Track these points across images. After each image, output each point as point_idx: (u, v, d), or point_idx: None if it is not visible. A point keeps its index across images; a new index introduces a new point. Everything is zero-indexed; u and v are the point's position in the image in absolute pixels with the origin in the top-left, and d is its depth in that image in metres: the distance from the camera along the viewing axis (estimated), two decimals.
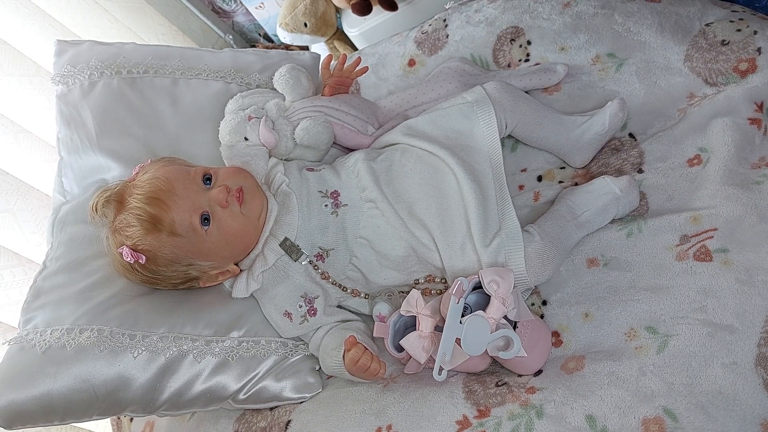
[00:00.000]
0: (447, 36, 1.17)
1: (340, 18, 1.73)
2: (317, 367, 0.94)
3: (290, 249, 0.89)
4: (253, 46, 1.93)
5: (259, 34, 1.96)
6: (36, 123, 1.28)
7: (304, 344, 0.95)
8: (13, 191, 1.21)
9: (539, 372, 0.80)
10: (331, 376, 0.94)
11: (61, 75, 1.07)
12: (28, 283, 0.98)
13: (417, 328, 0.82)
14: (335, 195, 0.92)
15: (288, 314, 0.91)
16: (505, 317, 0.78)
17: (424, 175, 0.90)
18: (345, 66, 1.06)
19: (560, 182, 0.97)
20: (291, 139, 0.98)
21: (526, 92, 1.02)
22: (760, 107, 0.88)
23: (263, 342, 0.92)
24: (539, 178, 1.00)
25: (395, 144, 0.97)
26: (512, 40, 1.10)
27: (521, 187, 1.00)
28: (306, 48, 1.78)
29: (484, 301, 0.79)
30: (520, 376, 0.81)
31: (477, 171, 0.90)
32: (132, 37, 1.57)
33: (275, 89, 1.03)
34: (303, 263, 0.89)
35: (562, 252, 0.85)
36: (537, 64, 1.08)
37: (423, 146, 0.93)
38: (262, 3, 1.81)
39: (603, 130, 0.94)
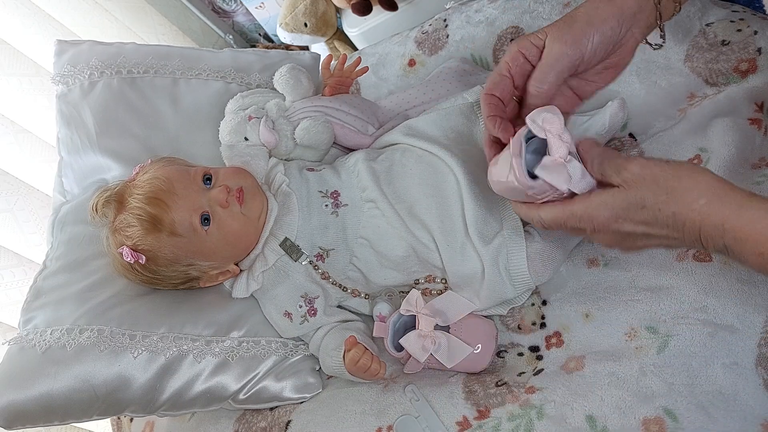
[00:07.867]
0: (447, 36, 1.17)
1: (340, 18, 1.73)
2: (317, 367, 0.94)
3: (290, 249, 0.89)
4: (253, 46, 1.93)
5: (259, 34, 1.96)
6: (36, 123, 1.28)
7: (304, 344, 0.95)
8: (13, 191, 1.21)
9: (540, 371, 0.80)
10: (331, 377, 0.94)
11: (61, 75, 1.06)
12: (28, 283, 0.98)
13: (417, 327, 0.82)
14: (335, 195, 0.91)
15: (288, 314, 0.91)
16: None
17: (424, 175, 0.90)
18: (345, 66, 1.06)
19: None
20: (291, 139, 0.98)
21: None
22: (761, 107, 0.88)
23: (263, 342, 0.92)
24: None
25: (395, 144, 0.97)
26: (512, 40, 1.10)
27: None
28: (306, 48, 1.78)
29: (543, 146, 0.66)
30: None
31: (477, 171, 0.90)
32: (132, 37, 1.57)
33: (275, 89, 1.03)
34: (303, 263, 0.89)
35: (562, 252, 0.85)
36: None
37: (423, 146, 0.92)
38: (262, 3, 1.81)
39: (603, 130, 0.94)
